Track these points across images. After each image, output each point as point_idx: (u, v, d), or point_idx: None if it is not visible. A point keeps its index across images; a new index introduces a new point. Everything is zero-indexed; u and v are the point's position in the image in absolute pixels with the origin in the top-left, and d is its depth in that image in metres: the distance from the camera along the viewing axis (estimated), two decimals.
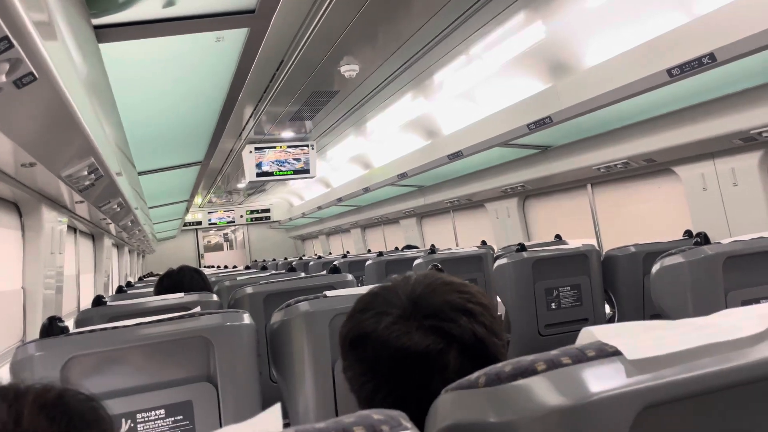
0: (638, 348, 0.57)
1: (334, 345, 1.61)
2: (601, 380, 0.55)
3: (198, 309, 1.60)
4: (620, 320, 3.04)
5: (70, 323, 1.55)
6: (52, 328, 1.39)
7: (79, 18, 1.27)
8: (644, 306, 2.99)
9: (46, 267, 2.17)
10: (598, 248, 3.09)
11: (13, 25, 0.74)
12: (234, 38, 1.83)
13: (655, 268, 2.00)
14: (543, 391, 0.55)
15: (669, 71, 2.49)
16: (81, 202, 2.18)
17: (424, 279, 0.88)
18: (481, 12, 3.08)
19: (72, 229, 3.14)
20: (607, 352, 0.58)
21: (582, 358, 0.57)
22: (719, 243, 1.98)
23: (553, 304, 2.91)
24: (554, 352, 0.59)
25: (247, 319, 1.54)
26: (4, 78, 0.81)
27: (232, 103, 2.77)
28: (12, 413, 0.57)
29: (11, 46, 0.76)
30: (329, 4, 2.73)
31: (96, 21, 1.55)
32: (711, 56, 2.31)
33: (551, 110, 3.35)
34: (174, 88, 2.49)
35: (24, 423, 0.57)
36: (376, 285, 0.92)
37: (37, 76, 0.88)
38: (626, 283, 2.99)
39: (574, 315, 2.94)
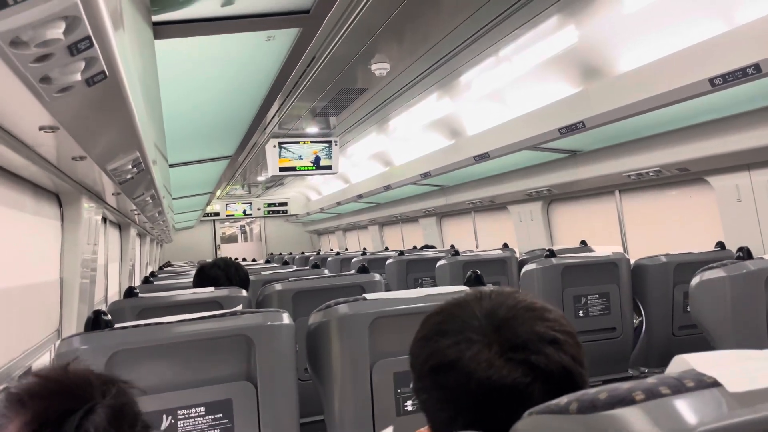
0: (738, 380, 0.56)
1: (373, 348, 1.61)
2: (702, 413, 0.53)
3: (240, 307, 1.60)
4: (648, 330, 3.01)
5: None
6: (98, 322, 1.40)
7: (140, 15, 1.27)
8: (673, 316, 2.96)
9: (83, 257, 2.19)
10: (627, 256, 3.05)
11: (95, 25, 0.74)
12: (284, 37, 1.82)
13: (695, 281, 1.97)
14: (642, 422, 0.53)
15: (711, 80, 2.45)
16: (117, 193, 2.20)
17: (504, 300, 0.84)
18: (513, 17, 3.06)
19: (102, 219, 3.17)
20: (706, 383, 0.56)
21: (681, 388, 0.56)
22: (762, 258, 1.95)
23: (581, 312, 2.89)
24: (651, 380, 0.57)
25: (286, 318, 1.54)
26: (79, 76, 0.81)
27: (271, 100, 2.78)
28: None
29: (91, 45, 0.76)
30: (366, 2, 2.72)
31: (156, 18, 1.55)
32: (756, 67, 2.27)
33: (582, 115, 3.32)
34: (217, 84, 2.49)
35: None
36: (448, 302, 0.88)
37: (107, 74, 0.88)
38: (656, 293, 2.95)
39: (603, 324, 2.91)
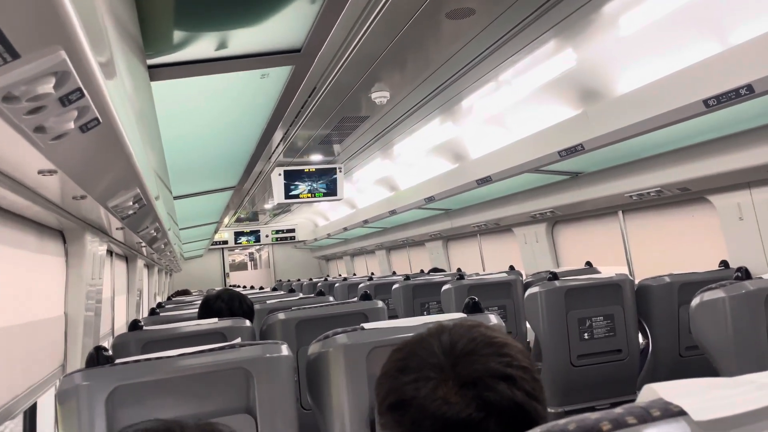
0: (703, 408, 0.57)
1: (372, 378, 1.62)
2: None
3: (239, 339, 1.62)
4: (654, 351, 2.99)
5: (105, 345, 1.58)
6: (98, 357, 1.42)
7: (135, 60, 1.32)
8: (679, 337, 2.94)
9: (87, 292, 2.22)
10: (630, 276, 3.05)
11: (85, 77, 0.77)
12: (278, 74, 1.87)
13: (695, 302, 1.97)
14: None
15: (705, 101, 2.47)
16: (121, 228, 2.24)
17: (464, 333, 0.86)
18: (511, 42, 3.11)
19: (108, 252, 3.21)
20: (672, 412, 0.58)
21: (647, 417, 0.57)
22: (761, 278, 1.95)
23: (585, 335, 2.88)
24: (619, 410, 0.59)
25: (285, 350, 1.55)
26: (72, 125, 0.85)
27: (270, 133, 2.84)
28: None
29: (82, 95, 0.79)
30: (364, 33, 2.78)
31: (150, 61, 1.61)
32: (749, 87, 2.29)
33: (582, 137, 3.35)
34: (216, 120, 2.56)
35: None
36: (411, 338, 0.90)
37: (101, 120, 0.91)
38: (661, 314, 2.94)
39: (608, 346, 2.90)
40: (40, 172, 1.08)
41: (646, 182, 3.54)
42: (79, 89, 0.77)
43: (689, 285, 2.86)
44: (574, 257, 5.04)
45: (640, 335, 3.07)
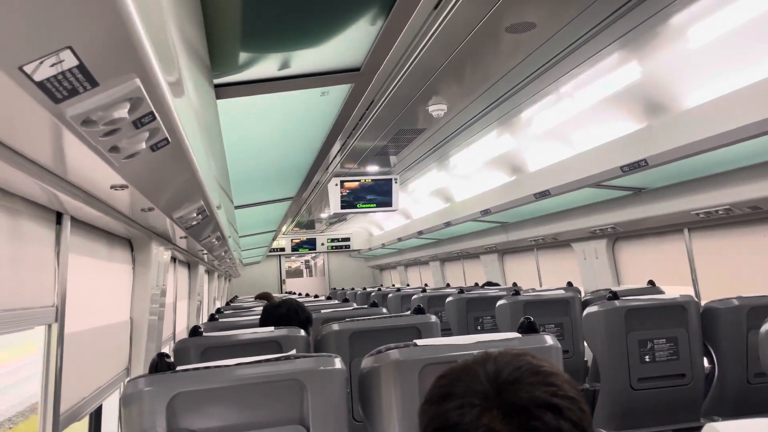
0: None
1: (424, 394, 1.61)
2: None
3: (294, 351, 1.65)
4: (720, 377, 2.85)
5: (166, 349, 1.64)
6: (161, 364, 1.47)
7: (203, 79, 1.38)
8: (748, 363, 2.80)
9: (152, 298, 2.32)
10: (696, 298, 2.92)
11: (157, 101, 0.82)
12: (338, 91, 1.91)
13: (765, 327, 1.87)
14: None
15: None
16: (185, 237, 2.33)
17: (510, 361, 0.86)
18: (573, 55, 3.06)
19: (172, 259, 3.33)
20: None
21: None
22: None
23: (647, 357, 2.78)
24: None
25: (338, 363, 1.56)
26: (143, 145, 0.89)
27: (329, 146, 2.89)
28: None
29: (154, 118, 0.83)
30: (423, 48, 2.80)
31: (216, 80, 1.68)
32: None
33: (646, 152, 3.25)
34: (277, 134, 2.63)
35: None
36: (455, 365, 0.91)
37: (170, 140, 0.96)
38: (728, 338, 2.81)
39: (670, 369, 2.78)
40: (112, 187, 1.14)
41: (714, 200, 3.40)
42: (151, 113, 0.81)
43: (759, 309, 2.71)
44: (635, 275, 4.88)
45: (705, 360, 2.93)
